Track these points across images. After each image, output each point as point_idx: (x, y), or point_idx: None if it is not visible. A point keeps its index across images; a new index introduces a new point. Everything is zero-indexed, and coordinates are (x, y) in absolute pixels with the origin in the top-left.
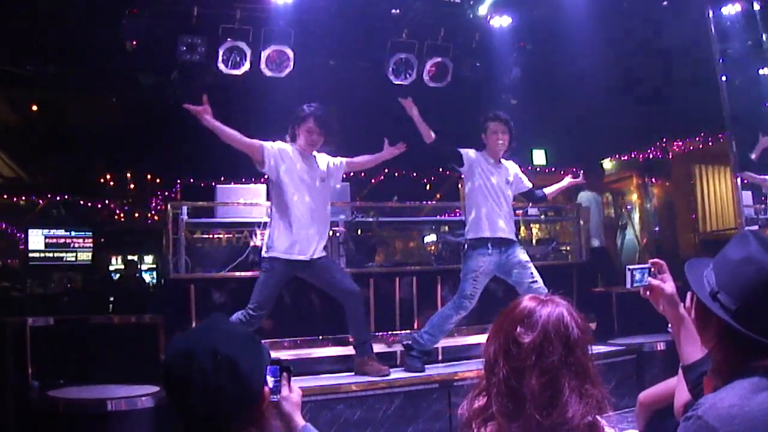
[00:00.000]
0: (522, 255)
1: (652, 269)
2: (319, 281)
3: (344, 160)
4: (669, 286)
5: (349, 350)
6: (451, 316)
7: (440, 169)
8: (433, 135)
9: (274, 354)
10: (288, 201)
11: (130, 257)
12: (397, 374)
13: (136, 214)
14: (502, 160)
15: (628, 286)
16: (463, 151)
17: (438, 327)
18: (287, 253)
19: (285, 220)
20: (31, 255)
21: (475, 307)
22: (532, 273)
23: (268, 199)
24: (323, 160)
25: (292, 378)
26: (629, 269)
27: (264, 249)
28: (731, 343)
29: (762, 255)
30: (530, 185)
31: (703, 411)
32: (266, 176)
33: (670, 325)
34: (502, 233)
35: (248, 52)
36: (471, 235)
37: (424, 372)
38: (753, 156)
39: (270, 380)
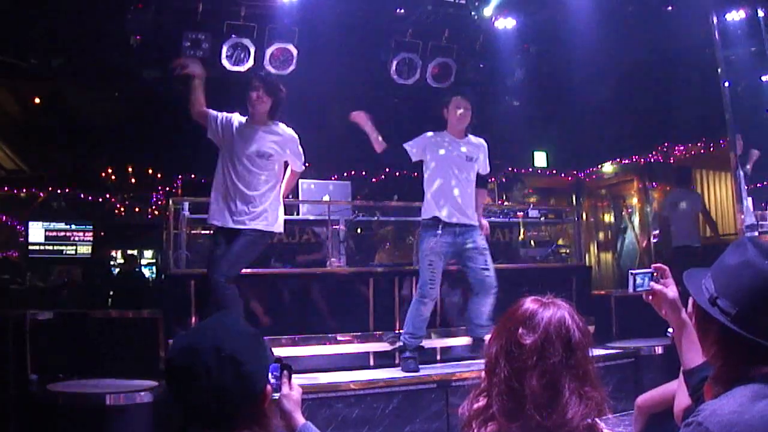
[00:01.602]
0: (479, 240)
1: (655, 274)
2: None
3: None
4: (671, 290)
5: (348, 348)
6: (419, 308)
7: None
8: (383, 145)
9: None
10: (220, 169)
11: (130, 252)
12: (395, 374)
13: (137, 209)
14: (472, 138)
15: (631, 290)
16: (408, 145)
17: (413, 323)
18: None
19: (216, 189)
20: (31, 248)
21: None
22: (486, 260)
23: None
24: (278, 137)
25: (293, 376)
26: (632, 273)
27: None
28: (732, 349)
29: (759, 259)
30: (485, 172)
31: (704, 417)
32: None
33: (669, 330)
34: (455, 218)
35: (252, 49)
36: (423, 215)
37: (418, 372)
38: (747, 167)
39: (271, 378)
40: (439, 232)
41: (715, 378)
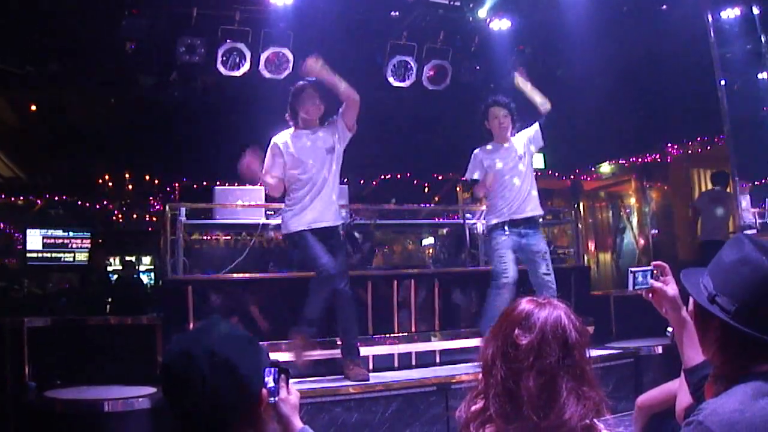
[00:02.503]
0: (541, 244)
1: (655, 272)
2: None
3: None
4: (671, 288)
5: None
6: (495, 299)
7: (438, 173)
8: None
9: (272, 356)
10: (296, 182)
11: (128, 258)
12: (394, 377)
13: (135, 215)
14: (512, 138)
15: (630, 288)
16: (473, 171)
17: (494, 315)
18: (308, 225)
19: (297, 199)
20: (29, 255)
21: (472, 311)
22: (547, 265)
23: (266, 200)
24: (330, 126)
25: (291, 380)
26: (631, 271)
27: (284, 229)
28: (732, 346)
29: (756, 255)
30: (536, 127)
31: (704, 416)
32: None
33: (669, 329)
34: (517, 214)
35: (247, 54)
36: (488, 220)
37: None
38: None
39: (269, 382)
40: (507, 232)
41: (716, 376)
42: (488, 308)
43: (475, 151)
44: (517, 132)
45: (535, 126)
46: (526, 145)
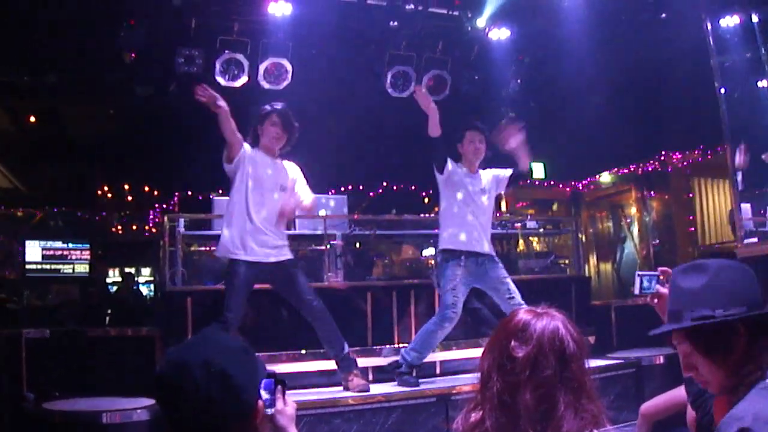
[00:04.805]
0: (499, 270)
1: (661, 277)
2: (282, 289)
3: (307, 196)
4: None
5: None
6: (436, 331)
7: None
8: (439, 131)
9: (271, 367)
10: (247, 203)
11: (127, 270)
12: (394, 388)
13: (134, 227)
14: (481, 172)
15: (636, 291)
16: (449, 160)
17: (424, 343)
18: (247, 255)
19: (241, 222)
20: (28, 267)
21: (473, 321)
22: (509, 288)
23: None
24: (293, 170)
25: (288, 391)
26: (638, 275)
27: (219, 251)
28: (759, 343)
29: (716, 262)
30: (508, 172)
31: (750, 423)
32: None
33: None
34: (478, 247)
35: (246, 65)
36: (444, 246)
37: (418, 386)
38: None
39: (264, 394)
40: (463, 263)
41: (727, 388)
42: (424, 335)
43: (453, 162)
44: (486, 167)
45: (508, 171)
46: (491, 182)
